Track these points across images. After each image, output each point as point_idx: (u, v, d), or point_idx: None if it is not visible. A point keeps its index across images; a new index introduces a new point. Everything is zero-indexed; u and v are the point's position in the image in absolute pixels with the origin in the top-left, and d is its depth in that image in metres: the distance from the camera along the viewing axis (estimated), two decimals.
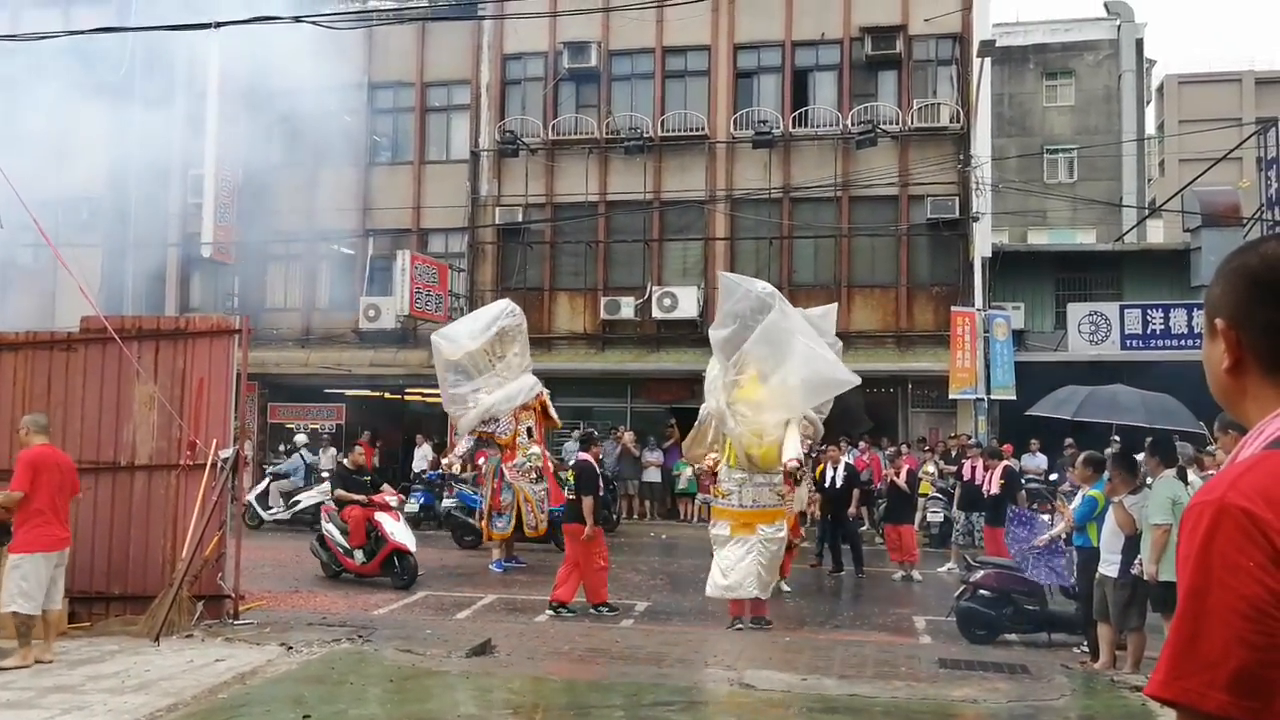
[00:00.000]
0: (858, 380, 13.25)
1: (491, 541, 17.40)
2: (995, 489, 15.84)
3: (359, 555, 15.31)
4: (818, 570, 17.50)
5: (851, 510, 17.68)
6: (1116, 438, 17.41)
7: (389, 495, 16.09)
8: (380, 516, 15.17)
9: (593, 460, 14.00)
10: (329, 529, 15.78)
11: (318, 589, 14.93)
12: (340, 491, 15.78)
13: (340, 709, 8.01)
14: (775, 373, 12.66)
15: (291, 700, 8.27)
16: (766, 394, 12.64)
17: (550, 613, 13.15)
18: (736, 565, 12.40)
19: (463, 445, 17.67)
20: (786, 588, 14.93)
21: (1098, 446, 15.07)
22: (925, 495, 19.74)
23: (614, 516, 21.03)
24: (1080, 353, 25.02)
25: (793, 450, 12.40)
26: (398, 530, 15.08)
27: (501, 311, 18.04)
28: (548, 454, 18.60)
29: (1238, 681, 1.51)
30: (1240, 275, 1.82)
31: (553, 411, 18.59)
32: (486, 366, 17.43)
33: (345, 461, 17.06)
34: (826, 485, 17.02)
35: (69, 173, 28.85)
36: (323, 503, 17.62)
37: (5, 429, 11.56)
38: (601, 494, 14.16)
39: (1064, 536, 11.55)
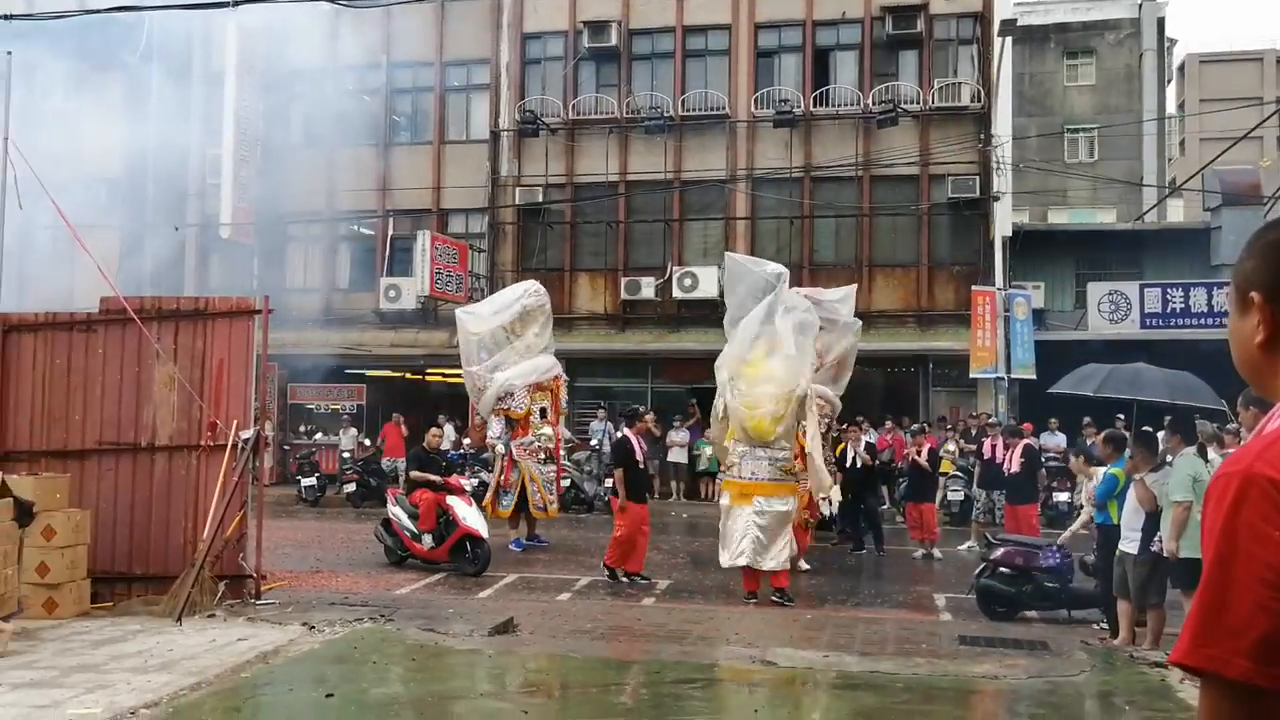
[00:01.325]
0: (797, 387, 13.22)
1: (502, 518, 17.34)
2: (1016, 467, 15.81)
3: (427, 540, 14.76)
4: (839, 548, 17.50)
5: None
6: (1121, 416, 17.35)
7: (463, 480, 15.92)
8: (452, 500, 14.70)
9: (631, 436, 14.50)
10: (395, 512, 15.30)
11: (340, 569, 14.96)
12: (416, 472, 15.37)
13: (363, 688, 8.04)
14: (775, 351, 13.01)
15: (314, 679, 8.31)
16: (766, 369, 13.00)
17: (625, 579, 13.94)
18: (735, 534, 12.77)
19: (495, 427, 17.49)
20: (806, 565, 14.95)
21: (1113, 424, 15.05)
22: (946, 474, 19.70)
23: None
24: (1100, 332, 24.93)
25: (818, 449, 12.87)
26: (470, 515, 14.57)
27: (525, 291, 18.01)
28: (562, 436, 18.55)
29: (1262, 649, 1.51)
30: (1277, 249, 1.80)
31: (564, 399, 18.52)
32: (504, 344, 17.38)
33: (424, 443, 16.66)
34: (848, 465, 17.00)
35: (87, 154, 28.93)
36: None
37: (26, 410, 11.65)
38: (642, 468, 14.62)
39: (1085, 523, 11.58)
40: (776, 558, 12.61)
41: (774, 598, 12.60)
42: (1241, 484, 1.59)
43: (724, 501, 13.13)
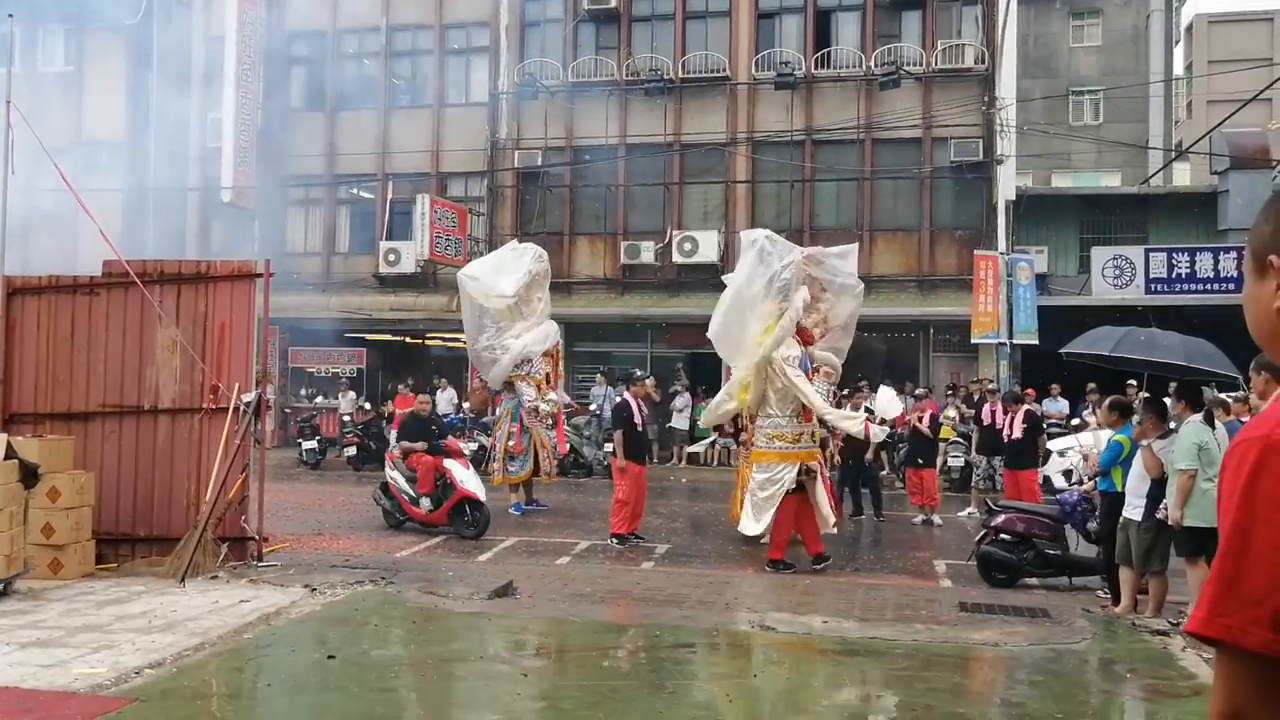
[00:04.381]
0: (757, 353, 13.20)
1: (507, 484, 17.32)
2: (1017, 433, 15.76)
3: (425, 503, 14.82)
4: (838, 514, 17.47)
5: (869, 456, 17.64)
6: (1133, 383, 17.29)
7: (461, 444, 15.90)
8: (449, 464, 14.76)
9: (630, 399, 14.59)
10: (394, 476, 15.31)
11: (340, 532, 14.99)
12: (405, 444, 15.39)
13: (364, 650, 8.07)
14: (746, 321, 12.97)
15: (315, 641, 8.34)
16: (741, 342, 13.04)
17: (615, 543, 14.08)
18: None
19: (529, 392, 17.34)
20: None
21: (1121, 391, 14.94)
22: (946, 440, 19.67)
23: None
24: (1104, 297, 24.86)
25: (822, 407, 12.73)
26: (468, 478, 14.60)
27: (531, 258, 17.85)
28: (561, 401, 18.44)
29: None
30: None
31: (560, 363, 18.47)
32: (515, 314, 17.25)
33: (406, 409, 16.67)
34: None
35: (89, 117, 28.87)
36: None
37: (30, 373, 11.66)
38: (641, 431, 14.69)
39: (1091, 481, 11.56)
40: (758, 526, 12.68)
41: (766, 566, 12.55)
42: (1262, 451, 1.56)
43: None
